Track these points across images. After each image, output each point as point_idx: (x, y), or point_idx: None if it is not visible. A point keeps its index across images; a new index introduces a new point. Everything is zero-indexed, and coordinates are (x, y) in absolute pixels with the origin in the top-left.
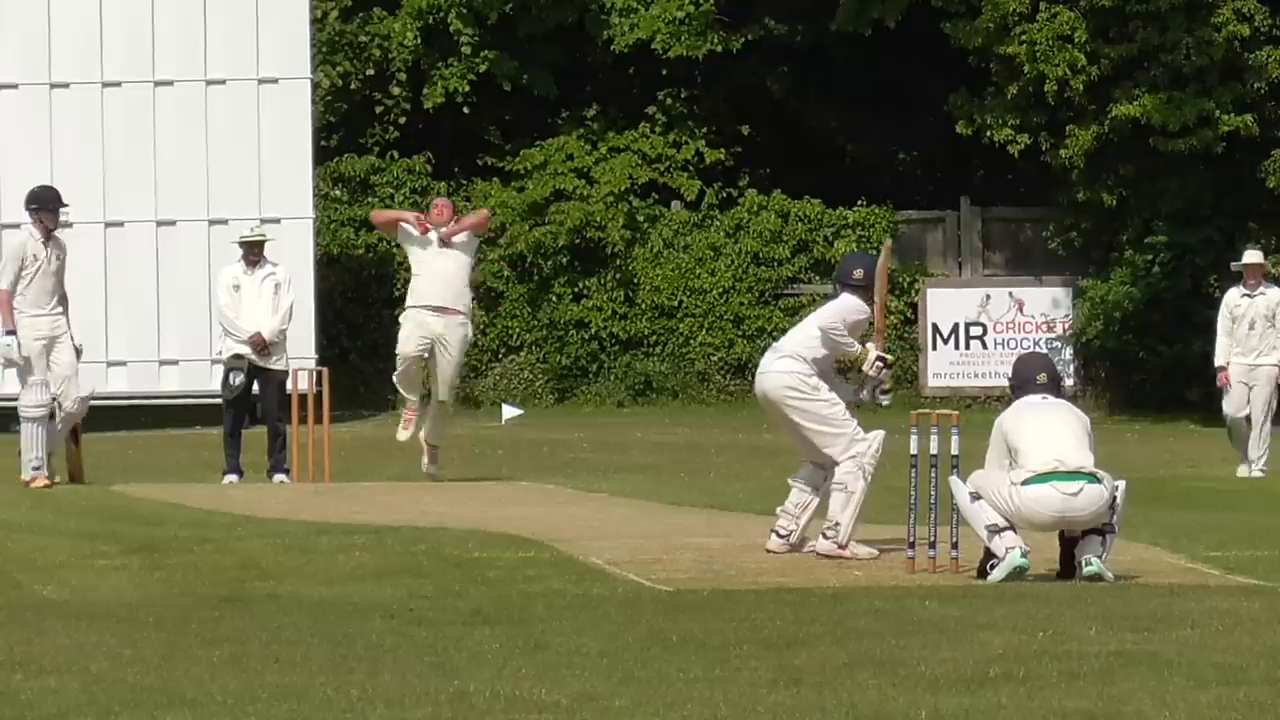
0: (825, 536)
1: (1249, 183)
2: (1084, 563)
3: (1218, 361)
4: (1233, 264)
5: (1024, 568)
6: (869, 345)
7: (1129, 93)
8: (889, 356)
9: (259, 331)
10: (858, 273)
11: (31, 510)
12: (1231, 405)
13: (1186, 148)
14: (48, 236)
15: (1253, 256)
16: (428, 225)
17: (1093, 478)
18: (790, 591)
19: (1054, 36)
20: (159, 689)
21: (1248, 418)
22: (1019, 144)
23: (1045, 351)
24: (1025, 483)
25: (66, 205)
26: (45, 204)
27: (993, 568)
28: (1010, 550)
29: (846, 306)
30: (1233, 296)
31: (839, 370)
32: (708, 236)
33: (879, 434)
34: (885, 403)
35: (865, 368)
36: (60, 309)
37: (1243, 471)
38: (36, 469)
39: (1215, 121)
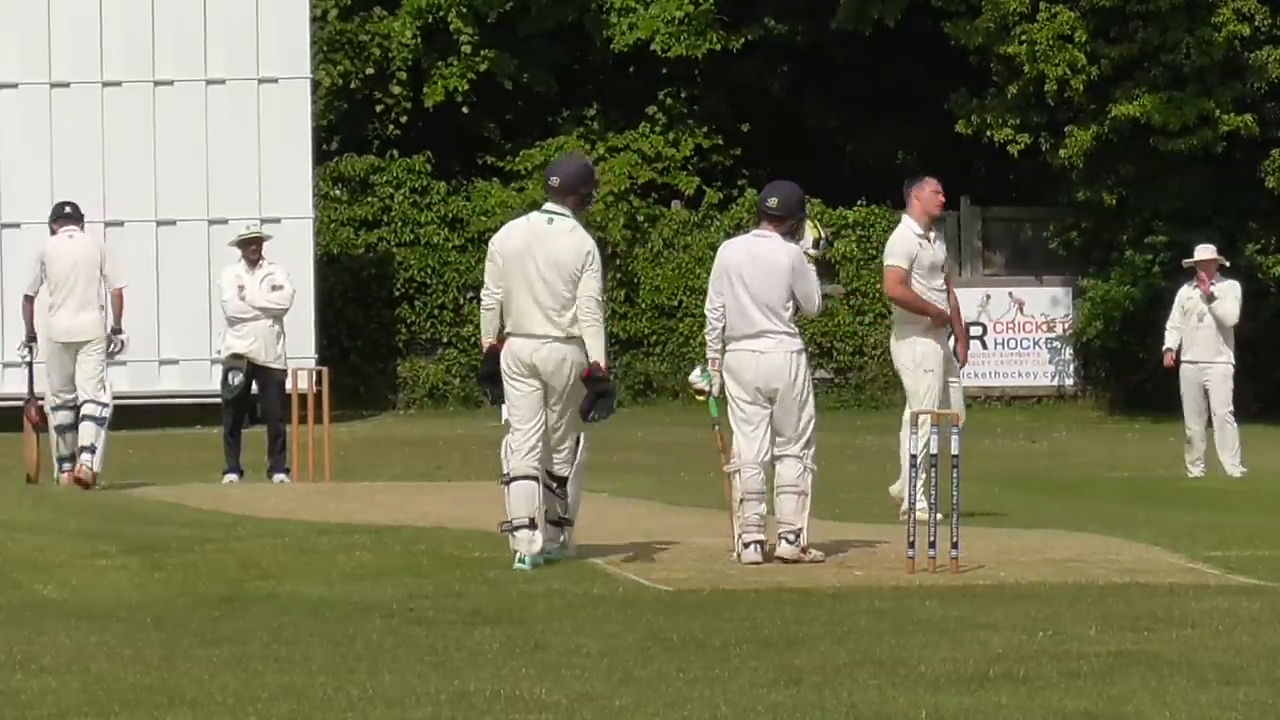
0: (788, 541)
1: (1249, 182)
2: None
3: (1167, 344)
4: (1184, 261)
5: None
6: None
7: (1129, 92)
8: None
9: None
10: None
11: (31, 510)
12: (1189, 418)
13: (1186, 147)
14: None
15: (1205, 252)
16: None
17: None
18: (790, 591)
19: (1054, 36)
20: (159, 689)
21: (1208, 422)
22: (1019, 144)
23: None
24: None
25: (82, 216)
26: (67, 221)
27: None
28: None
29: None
30: (1185, 291)
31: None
32: (708, 236)
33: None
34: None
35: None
36: None
37: (1196, 472)
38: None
39: (1215, 121)
